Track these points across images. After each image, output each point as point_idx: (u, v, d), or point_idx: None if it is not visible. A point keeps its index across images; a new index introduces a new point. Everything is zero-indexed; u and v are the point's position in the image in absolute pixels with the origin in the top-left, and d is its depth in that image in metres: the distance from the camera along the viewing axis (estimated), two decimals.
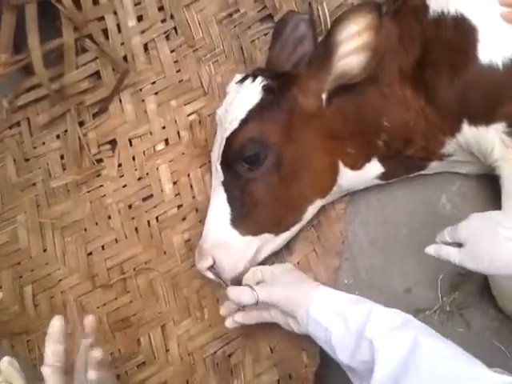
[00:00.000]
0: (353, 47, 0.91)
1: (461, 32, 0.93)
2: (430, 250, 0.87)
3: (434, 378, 0.70)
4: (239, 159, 0.96)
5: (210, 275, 1.00)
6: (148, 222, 1.11)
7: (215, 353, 1.06)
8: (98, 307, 1.09)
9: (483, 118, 0.94)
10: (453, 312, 1.07)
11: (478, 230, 0.82)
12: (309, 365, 1.02)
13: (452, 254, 0.83)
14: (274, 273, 0.96)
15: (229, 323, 0.99)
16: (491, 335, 1.07)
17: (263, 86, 0.96)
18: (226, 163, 0.99)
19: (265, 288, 0.92)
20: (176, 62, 1.13)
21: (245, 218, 0.99)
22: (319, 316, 0.85)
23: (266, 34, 1.15)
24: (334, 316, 0.84)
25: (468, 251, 0.81)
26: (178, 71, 1.13)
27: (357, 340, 0.80)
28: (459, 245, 0.84)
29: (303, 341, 1.04)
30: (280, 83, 0.97)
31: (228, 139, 0.97)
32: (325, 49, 0.92)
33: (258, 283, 0.95)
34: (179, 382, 1.05)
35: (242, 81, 1.00)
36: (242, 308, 0.97)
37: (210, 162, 1.09)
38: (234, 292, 0.92)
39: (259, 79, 0.97)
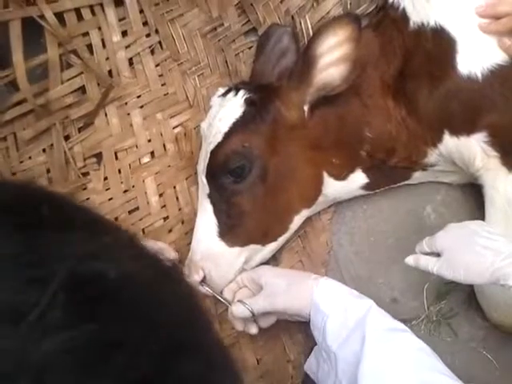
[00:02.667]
0: (333, 59, 0.92)
1: (440, 43, 0.95)
2: (410, 260, 0.89)
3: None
4: (224, 172, 0.97)
5: (202, 290, 0.99)
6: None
7: None
8: None
9: (464, 128, 0.95)
10: (439, 321, 1.07)
11: (454, 240, 0.83)
12: (294, 376, 1.03)
13: (430, 264, 0.84)
14: (267, 282, 0.96)
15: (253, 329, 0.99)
16: (478, 344, 1.07)
17: (246, 99, 0.97)
18: (211, 176, 0.99)
19: (265, 300, 0.93)
20: (161, 75, 1.13)
21: (232, 230, 0.99)
22: (321, 302, 0.89)
23: (250, 48, 1.16)
24: (335, 304, 0.88)
25: (445, 260, 0.82)
26: (163, 85, 1.13)
27: (353, 329, 0.83)
28: (438, 254, 0.85)
29: (289, 352, 1.04)
30: (262, 96, 0.97)
31: (212, 152, 0.98)
32: (305, 61, 0.93)
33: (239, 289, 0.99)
34: None
35: (224, 94, 1.01)
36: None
37: (195, 173, 1.09)
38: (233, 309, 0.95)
39: (241, 92, 0.98)
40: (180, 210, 1.12)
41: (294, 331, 1.06)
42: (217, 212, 0.99)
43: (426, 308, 1.07)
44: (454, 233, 0.85)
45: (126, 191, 1.11)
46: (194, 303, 0.40)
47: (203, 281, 0.98)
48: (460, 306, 1.07)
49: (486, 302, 1.02)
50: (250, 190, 0.97)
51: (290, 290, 0.93)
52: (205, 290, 0.98)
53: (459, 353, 1.07)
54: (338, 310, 0.87)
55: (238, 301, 0.95)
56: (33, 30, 1.03)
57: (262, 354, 1.05)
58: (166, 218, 1.12)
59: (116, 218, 1.11)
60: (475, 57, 0.92)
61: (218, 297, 0.99)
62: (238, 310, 0.94)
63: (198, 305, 0.41)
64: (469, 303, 1.07)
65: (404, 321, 1.05)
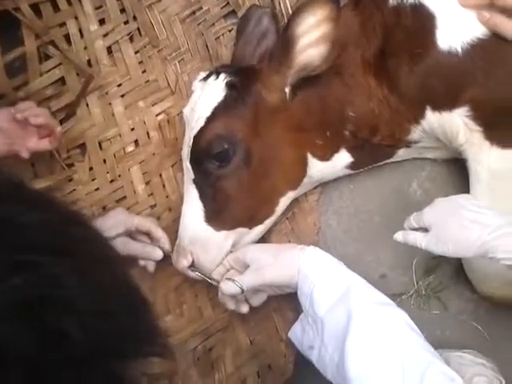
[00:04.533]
0: (312, 39, 0.91)
1: (419, 19, 0.94)
2: (399, 236, 0.89)
3: (394, 357, 0.73)
4: (208, 157, 0.97)
5: (191, 274, 1.00)
6: None
7: (196, 348, 1.07)
8: None
9: (446, 103, 0.95)
10: (429, 295, 1.09)
11: (442, 214, 0.83)
12: (287, 354, 1.04)
13: (418, 239, 0.84)
14: (252, 258, 0.96)
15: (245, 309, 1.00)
16: (468, 317, 1.09)
17: (227, 83, 0.96)
18: (195, 161, 0.99)
19: (253, 274, 0.93)
20: (141, 62, 1.12)
21: (218, 214, 0.99)
22: (308, 271, 0.89)
23: (230, 30, 1.16)
24: (322, 272, 0.88)
25: (433, 235, 0.83)
26: (143, 72, 1.13)
27: (338, 300, 0.83)
28: (426, 230, 0.85)
29: (281, 332, 1.06)
30: (243, 79, 0.97)
31: (195, 137, 0.98)
32: (284, 43, 0.92)
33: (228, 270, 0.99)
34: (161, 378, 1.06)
35: (205, 78, 1.00)
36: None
37: (181, 160, 1.09)
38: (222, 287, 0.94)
39: (222, 76, 0.97)
40: (167, 197, 1.12)
41: (286, 310, 1.07)
42: (203, 197, 0.99)
43: (415, 283, 1.08)
44: (441, 207, 0.85)
45: (112, 181, 1.11)
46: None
47: (192, 265, 0.99)
48: (449, 279, 1.08)
49: (474, 275, 1.03)
50: (235, 174, 0.97)
51: (276, 261, 0.93)
52: (194, 274, 0.99)
53: (449, 326, 1.08)
54: (326, 277, 0.87)
55: (227, 278, 0.95)
56: (9, 24, 1.02)
57: (254, 335, 1.06)
58: (153, 206, 1.12)
59: (104, 208, 1.11)
60: (455, 31, 0.92)
61: (208, 280, 0.99)
62: (227, 287, 0.93)
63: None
64: (457, 277, 1.08)
65: (393, 296, 1.07)
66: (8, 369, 0.35)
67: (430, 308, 1.09)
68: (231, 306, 0.99)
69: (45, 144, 0.97)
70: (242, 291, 0.93)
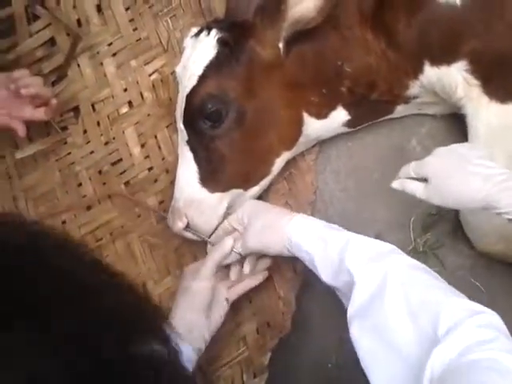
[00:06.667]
0: None
1: None
2: (396, 184, 0.85)
3: (401, 307, 0.69)
4: (201, 117, 0.95)
5: (188, 235, 1.01)
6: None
7: None
8: None
9: (444, 57, 0.92)
10: (426, 252, 1.08)
11: (443, 165, 0.80)
12: (285, 312, 1.05)
13: (418, 190, 0.81)
14: (245, 221, 0.97)
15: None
16: (466, 273, 1.09)
17: (218, 39, 0.93)
18: (189, 122, 0.98)
19: (244, 242, 0.94)
20: (132, 20, 1.10)
21: (212, 175, 0.98)
22: (301, 241, 0.87)
23: None
24: (315, 239, 0.85)
25: (434, 186, 0.79)
26: (134, 30, 1.10)
27: (338, 264, 0.80)
28: (423, 180, 0.83)
29: (280, 290, 1.07)
30: (235, 35, 0.94)
31: (188, 97, 0.96)
32: None
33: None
34: None
35: (197, 35, 0.97)
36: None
37: (176, 121, 1.07)
38: (217, 256, 0.95)
39: (214, 32, 0.94)
40: (163, 159, 1.11)
41: (284, 269, 1.08)
42: (197, 158, 0.98)
43: (413, 240, 1.08)
44: (442, 158, 0.81)
45: (106, 143, 1.11)
46: None
47: (188, 227, 0.99)
48: (446, 236, 1.08)
49: (472, 230, 1.02)
50: (229, 135, 0.95)
51: (263, 232, 0.92)
52: (190, 235, 0.99)
53: (447, 282, 1.08)
54: (319, 246, 0.84)
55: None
56: None
57: (253, 294, 1.07)
58: (150, 169, 1.12)
59: (99, 172, 1.11)
60: None
61: (204, 238, 1.00)
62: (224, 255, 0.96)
63: None
64: (454, 234, 1.07)
65: None
66: None
67: (428, 265, 1.08)
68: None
69: (40, 114, 0.97)
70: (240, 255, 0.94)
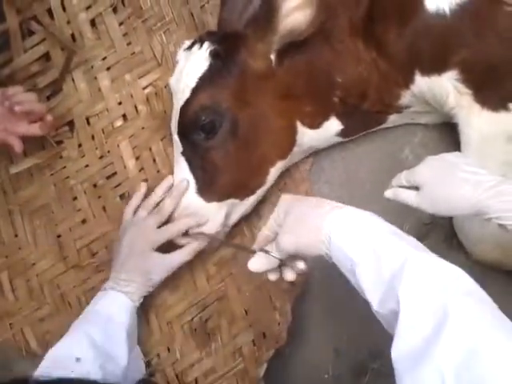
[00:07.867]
0: (298, 2, 0.89)
1: None
2: (389, 193, 0.85)
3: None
4: (195, 128, 0.96)
5: (184, 242, 1.02)
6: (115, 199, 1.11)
7: (192, 319, 1.08)
8: (74, 286, 1.10)
9: (434, 67, 0.93)
10: None
11: (434, 173, 0.80)
12: (281, 323, 1.05)
13: (410, 198, 0.81)
14: (281, 217, 0.81)
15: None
16: None
17: (210, 52, 0.95)
18: (183, 133, 0.99)
19: (278, 243, 0.79)
20: (126, 34, 1.10)
21: (209, 186, 0.99)
22: (344, 244, 0.72)
23: None
24: (364, 247, 0.70)
25: (425, 194, 0.79)
26: (128, 44, 1.10)
27: (387, 288, 0.67)
28: (415, 188, 0.83)
29: (275, 300, 1.07)
30: (227, 47, 0.95)
31: (182, 109, 0.97)
32: (269, 6, 0.90)
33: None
34: (161, 350, 1.08)
35: (190, 47, 0.98)
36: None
37: (171, 134, 1.08)
38: (256, 265, 0.83)
39: (206, 44, 0.95)
40: (158, 171, 1.12)
41: (279, 279, 1.07)
42: (192, 169, 0.99)
43: None
44: (432, 166, 0.81)
45: (101, 157, 1.11)
46: None
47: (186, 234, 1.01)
48: (440, 245, 1.08)
49: (466, 238, 1.03)
50: (223, 145, 0.96)
51: (295, 228, 0.77)
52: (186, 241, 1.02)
53: None
54: (369, 258, 0.69)
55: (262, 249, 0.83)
56: None
57: (249, 305, 1.07)
58: (144, 181, 1.11)
59: (94, 185, 1.11)
60: None
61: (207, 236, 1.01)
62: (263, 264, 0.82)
63: None
64: (449, 243, 1.08)
65: None
66: None
67: None
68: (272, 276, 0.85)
69: (35, 129, 0.98)
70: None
